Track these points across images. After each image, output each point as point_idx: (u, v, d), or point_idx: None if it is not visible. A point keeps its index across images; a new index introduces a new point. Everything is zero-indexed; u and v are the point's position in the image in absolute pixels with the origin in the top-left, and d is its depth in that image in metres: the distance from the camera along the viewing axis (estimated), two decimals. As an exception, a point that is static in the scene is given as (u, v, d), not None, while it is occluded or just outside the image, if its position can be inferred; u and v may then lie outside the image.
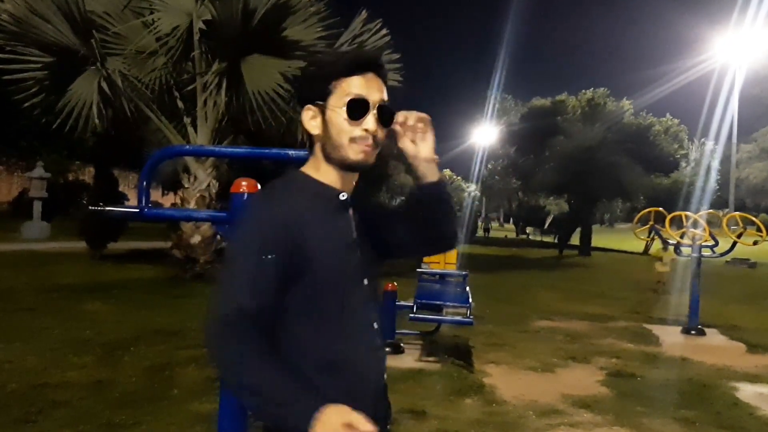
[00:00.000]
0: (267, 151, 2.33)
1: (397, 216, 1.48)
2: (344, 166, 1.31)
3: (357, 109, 1.28)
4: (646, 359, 6.52)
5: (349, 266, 1.32)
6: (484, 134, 45.09)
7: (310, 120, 1.33)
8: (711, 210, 11.70)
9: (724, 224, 9.13)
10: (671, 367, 6.26)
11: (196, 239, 10.39)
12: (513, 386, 5.18)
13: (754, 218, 9.29)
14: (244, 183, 1.99)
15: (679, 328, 8.25)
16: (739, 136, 32.20)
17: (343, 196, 1.34)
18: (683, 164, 36.76)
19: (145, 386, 4.67)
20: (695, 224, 8.86)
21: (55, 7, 9.43)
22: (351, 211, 1.36)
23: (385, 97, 1.32)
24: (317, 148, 1.34)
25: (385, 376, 1.43)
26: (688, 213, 9.27)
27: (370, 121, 1.29)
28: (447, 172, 71.70)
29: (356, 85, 1.28)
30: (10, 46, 9.43)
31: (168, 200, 35.54)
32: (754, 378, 5.87)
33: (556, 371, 5.83)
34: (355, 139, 1.28)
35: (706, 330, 8.14)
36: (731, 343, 7.66)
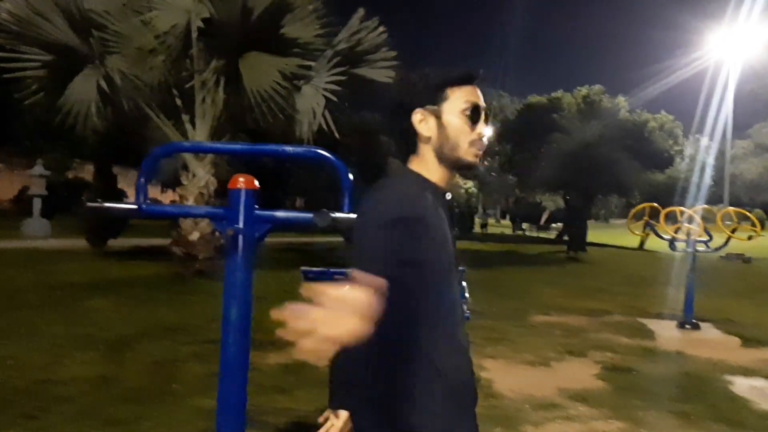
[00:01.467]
0: (265, 147, 2.34)
1: None
2: (458, 166, 1.40)
3: (477, 114, 1.39)
4: (642, 353, 6.60)
5: (452, 259, 1.41)
6: (481, 131, 45.06)
7: (420, 123, 1.39)
8: (706, 205, 11.77)
9: (718, 220, 9.21)
10: (667, 361, 6.34)
11: (195, 236, 10.41)
12: (510, 380, 5.24)
13: (748, 213, 9.38)
14: (241, 179, 1.99)
15: (675, 323, 8.34)
16: (734, 132, 32.37)
17: (448, 196, 1.44)
18: (678, 160, 36.83)
19: (147, 382, 4.71)
20: (690, 220, 8.95)
21: (55, 6, 9.43)
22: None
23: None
24: (426, 149, 1.40)
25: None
26: (683, 209, 9.35)
27: (483, 126, 1.40)
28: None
29: (472, 93, 1.40)
30: (11, 44, 9.44)
31: (167, 197, 35.56)
32: (749, 372, 5.95)
33: (553, 365, 5.90)
34: (473, 142, 1.38)
35: (701, 324, 8.24)
36: (726, 338, 7.75)
